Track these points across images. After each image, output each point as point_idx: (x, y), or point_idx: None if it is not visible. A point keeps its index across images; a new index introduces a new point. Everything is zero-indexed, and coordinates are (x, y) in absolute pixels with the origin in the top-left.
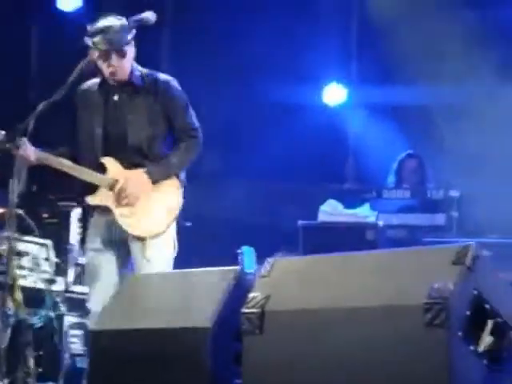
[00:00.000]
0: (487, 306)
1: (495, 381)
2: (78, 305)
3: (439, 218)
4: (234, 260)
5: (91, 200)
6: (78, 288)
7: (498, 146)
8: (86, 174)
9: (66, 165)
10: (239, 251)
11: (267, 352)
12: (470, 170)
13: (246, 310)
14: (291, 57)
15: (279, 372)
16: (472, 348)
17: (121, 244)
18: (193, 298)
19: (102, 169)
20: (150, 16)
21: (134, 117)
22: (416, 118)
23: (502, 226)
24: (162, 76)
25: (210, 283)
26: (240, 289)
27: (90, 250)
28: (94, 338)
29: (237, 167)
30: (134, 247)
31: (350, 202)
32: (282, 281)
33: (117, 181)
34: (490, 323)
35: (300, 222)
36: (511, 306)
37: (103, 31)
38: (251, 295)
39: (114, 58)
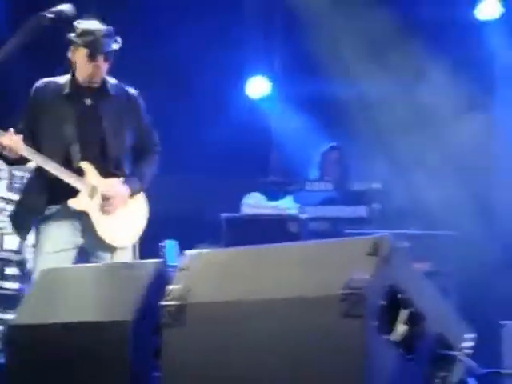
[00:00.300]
0: (402, 296)
1: (409, 369)
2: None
3: (361, 210)
4: (156, 253)
5: (75, 204)
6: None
7: (416, 138)
8: (69, 178)
9: (51, 165)
10: (162, 244)
11: (186, 345)
12: (391, 162)
13: (166, 303)
14: (214, 50)
15: (198, 365)
16: (387, 337)
17: (84, 249)
18: (114, 292)
19: (78, 173)
20: (67, 9)
21: (109, 124)
22: (338, 111)
23: (422, 217)
24: (130, 89)
25: (131, 276)
26: (161, 282)
27: (49, 253)
28: (10, 333)
29: (160, 161)
30: (103, 255)
31: (274, 194)
32: (202, 273)
33: (96, 187)
34: (404, 313)
35: (223, 215)
36: (425, 295)
37: (104, 33)
38: (170, 288)
39: (100, 60)
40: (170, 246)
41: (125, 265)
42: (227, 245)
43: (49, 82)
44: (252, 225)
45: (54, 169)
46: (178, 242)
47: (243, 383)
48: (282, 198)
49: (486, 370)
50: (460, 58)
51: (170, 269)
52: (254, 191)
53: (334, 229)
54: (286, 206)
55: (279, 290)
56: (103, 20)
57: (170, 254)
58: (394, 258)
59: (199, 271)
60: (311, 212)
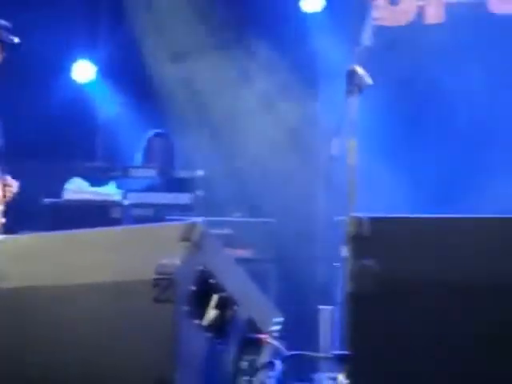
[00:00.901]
0: (213, 281)
1: (219, 353)
2: None
3: (184, 197)
4: None
5: None
6: None
7: (241, 126)
8: None
9: None
10: None
11: None
12: (215, 150)
13: None
14: (39, 34)
15: (5, 351)
16: (197, 322)
17: None
18: None
19: None
20: None
21: None
22: (165, 97)
23: (245, 205)
24: None
25: None
26: None
27: None
28: None
29: None
30: None
31: (98, 180)
32: (10, 259)
33: None
34: (214, 298)
35: (45, 200)
36: (236, 280)
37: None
38: None
39: None
40: None
41: None
42: (49, 230)
43: None
44: (74, 210)
45: None
46: None
47: (46, 370)
48: (105, 183)
49: (290, 353)
50: (286, 47)
51: None
52: (78, 176)
53: (157, 215)
54: (109, 191)
55: (91, 274)
56: None
57: None
58: (205, 243)
59: (7, 257)
60: (134, 198)
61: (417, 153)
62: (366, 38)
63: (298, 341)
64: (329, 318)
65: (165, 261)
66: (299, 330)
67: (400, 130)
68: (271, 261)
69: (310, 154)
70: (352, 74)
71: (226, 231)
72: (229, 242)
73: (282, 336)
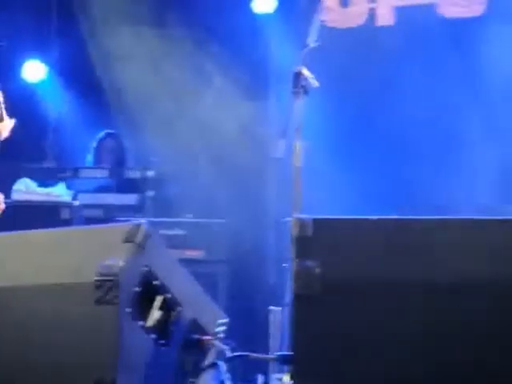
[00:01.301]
0: (157, 283)
1: (162, 354)
2: None
3: (134, 198)
4: None
5: None
6: None
7: (190, 127)
8: None
9: None
10: None
11: None
12: (167, 150)
13: None
14: None
15: None
16: (141, 323)
17: None
18: None
19: None
20: None
21: None
22: (115, 97)
23: (196, 206)
24: None
25: None
26: None
27: None
28: None
29: None
30: None
31: (48, 180)
32: None
33: None
34: (158, 299)
35: None
36: (180, 282)
37: None
38: None
39: None
40: None
41: None
42: None
43: None
44: (23, 211)
45: None
46: None
47: None
48: (56, 184)
49: (234, 354)
50: (237, 49)
51: None
52: (27, 177)
53: (108, 216)
54: (59, 192)
55: (35, 276)
56: None
57: None
58: (149, 245)
59: None
60: (84, 199)
61: (367, 154)
62: (312, 39)
63: (248, 342)
64: (279, 318)
65: (108, 262)
66: (250, 331)
67: (351, 130)
68: (222, 262)
69: (261, 155)
70: (297, 76)
71: (176, 232)
72: (180, 242)
73: (233, 337)
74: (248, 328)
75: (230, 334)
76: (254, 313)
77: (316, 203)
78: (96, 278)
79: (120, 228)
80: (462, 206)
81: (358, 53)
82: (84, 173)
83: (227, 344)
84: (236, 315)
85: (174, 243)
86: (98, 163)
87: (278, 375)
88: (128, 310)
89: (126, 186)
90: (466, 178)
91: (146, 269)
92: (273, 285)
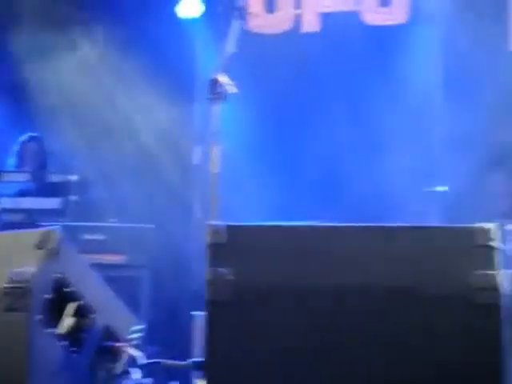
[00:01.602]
0: (70, 289)
1: (74, 361)
2: None
3: (56, 202)
4: None
5: None
6: None
7: (116, 133)
8: None
9: None
10: None
11: None
12: (90, 154)
13: None
14: None
15: None
16: (52, 331)
17: None
18: None
19: None
20: None
21: None
22: (39, 100)
23: (120, 211)
24: None
25: None
26: None
27: None
28: None
29: None
30: None
31: None
32: None
33: None
34: (71, 306)
35: None
36: (93, 288)
37: None
38: None
39: None
40: None
41: None
42: None
43: None
44: None
45: None
46: None
47: None
48: None
49: (147, 361)
50: (161, 54)
51: None
52: None
53: (29, 220)
54: None
55: None
56: None
57: None
58: (62, 251)
59: None
60: (6, 203)
61: (291, 159)
62: (231, 45)
63: (171, 347)
64: (202, 324)
65: (19, 269)
66: (173, 337)
67: (274, 135)
68: (145, 267)
69: (184, 159)
70: (214, 83)
71: (98, 237)
72: (101, 247)
73: (156, 342)
74: (171, 333)
75: (153, 340)
76: (178, 318)
77: (234, 208)
78: (6, 285)
79: (33, 234)
80: (381, 209)
81: (283, 58)
82: (6, 176)
83: (149, 350)
84: (159, 321)
85: (94, 248)
86: (20, 167)
87: (198, 381)
88: (39, 317)
89: (49, 189)
90: (387, 180)
91: (59, 275)
92: (196, 290)
